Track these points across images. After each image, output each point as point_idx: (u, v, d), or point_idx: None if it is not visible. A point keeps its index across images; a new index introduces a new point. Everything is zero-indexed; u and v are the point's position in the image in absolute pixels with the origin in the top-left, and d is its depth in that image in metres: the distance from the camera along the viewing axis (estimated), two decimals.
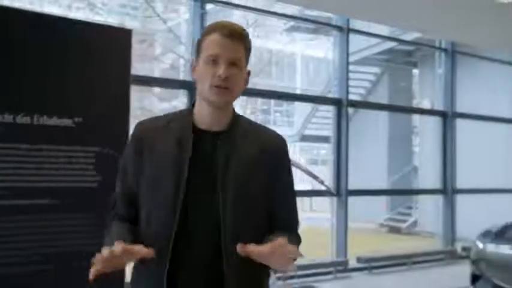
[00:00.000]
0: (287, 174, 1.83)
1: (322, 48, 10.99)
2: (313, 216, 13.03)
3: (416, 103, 14.01)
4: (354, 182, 8.09)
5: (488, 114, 10.27)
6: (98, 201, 3.10)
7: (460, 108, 9.61)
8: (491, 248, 5.40)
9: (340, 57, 8.13)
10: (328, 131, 9.17)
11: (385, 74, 14.35)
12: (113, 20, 10.97)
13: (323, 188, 8.49)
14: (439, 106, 9.65)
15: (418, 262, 8.38)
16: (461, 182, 9.49)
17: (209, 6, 7.04)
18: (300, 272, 6.77)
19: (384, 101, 13.55)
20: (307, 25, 12.38)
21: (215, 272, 1.65)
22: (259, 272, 1.72)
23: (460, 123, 9.60)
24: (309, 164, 18.36)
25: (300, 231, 1.86)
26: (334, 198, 7.84)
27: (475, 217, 8.68)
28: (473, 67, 10.82)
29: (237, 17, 12.99)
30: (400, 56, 13.75)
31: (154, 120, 1.82)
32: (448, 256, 8.76)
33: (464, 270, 6.01)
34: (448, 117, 9.43)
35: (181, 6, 12.84)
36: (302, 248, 1.75)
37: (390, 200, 14.05)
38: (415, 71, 14.38)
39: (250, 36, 1.77)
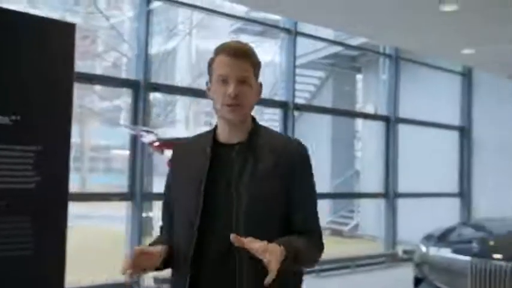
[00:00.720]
0: (304, 181, 1.89)
1: (268, 52, 10.99)
2: None
3: (359, 108, 14.19)
4: None
5: (429, 120, 10.52)
6: (35, 203, 2.92)
7: (402, 113, 9.78)
8: (434, 251, 5.47)
9: (287, 60, 8.13)
10: None
11: (329, 78, 14.47)
12: (53, 15, 10.57)
13: None
14: (383, 111, 9.79)
15: (362, 265, 8.46)
16: (402, 186, 9.66)
17: (155, 5, 6.88)
18: None
19: (328, 104, 13.63)
20: (254, 27, 12.33)
21: None
22: None
23: (401, 128, 9.77)
24: None
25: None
26: None
27: (415, 221, 8.85)
28: (416, 74, 11.06)
29: (182, 18, 12.81)
30: (344, 61, 13.90)
31: (188, 140, 2.03)
32: (390, 259, 8.89)
33: (406, 273, 6.08)
34: (390, 122, 9.58)
35: (124, 4, 12.57)
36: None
37: (333, 203, 14.17)
38: (359, 76, 14.57)
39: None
